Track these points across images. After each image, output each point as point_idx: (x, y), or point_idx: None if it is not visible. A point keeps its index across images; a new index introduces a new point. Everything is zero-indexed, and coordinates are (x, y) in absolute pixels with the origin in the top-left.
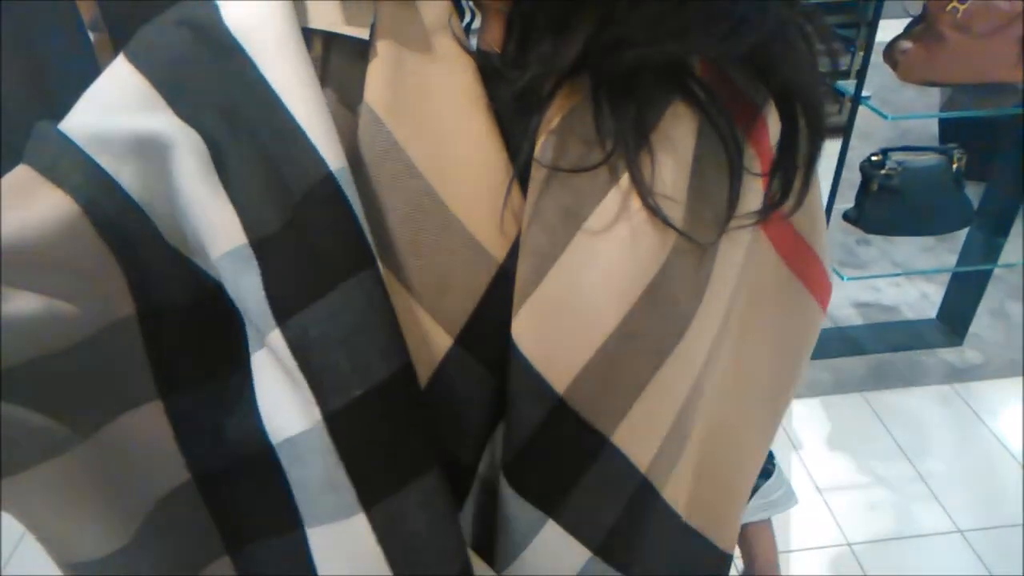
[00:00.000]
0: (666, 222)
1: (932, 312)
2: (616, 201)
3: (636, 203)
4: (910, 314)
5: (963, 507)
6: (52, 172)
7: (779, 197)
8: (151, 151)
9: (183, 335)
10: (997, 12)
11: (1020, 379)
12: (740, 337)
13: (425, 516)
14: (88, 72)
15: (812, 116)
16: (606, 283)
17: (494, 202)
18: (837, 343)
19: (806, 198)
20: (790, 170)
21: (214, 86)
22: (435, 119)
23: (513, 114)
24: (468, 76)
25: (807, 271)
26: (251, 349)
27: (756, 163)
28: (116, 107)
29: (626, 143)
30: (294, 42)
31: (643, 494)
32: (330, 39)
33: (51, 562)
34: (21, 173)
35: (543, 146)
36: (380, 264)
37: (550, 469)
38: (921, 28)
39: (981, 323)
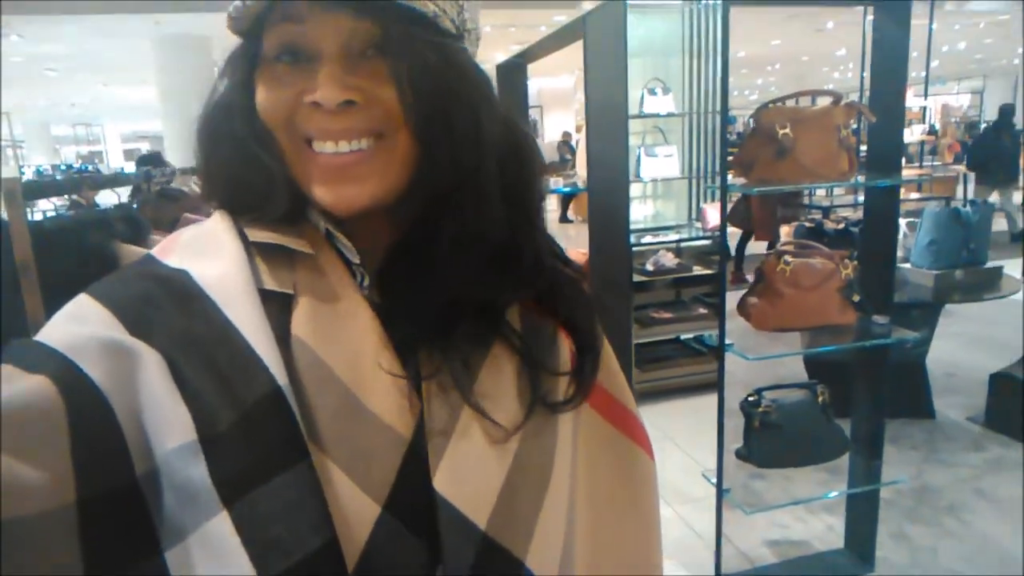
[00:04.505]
0: (485, 415)
1: (839, 542)
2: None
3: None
4: (819, 546)
5: None
6: (34, 367)
7: (581, 384)
8: (119, 354)
9: (111, 526)
10: (814, 270)
11: None
12: (590, 506)
13: None
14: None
15: (588, 332)
16: (494, 437)
17: (398, 397)
18: None
19: (603, 366)
20: (586, 362)
21: (172, 321)
22: (346, 341)
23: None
24: (367, 313)
25: (625, 423)
26: (169, 545)
27: (567, 358)
28: (85, 325)
29: (454, 365)
30: (251, 293)
31: None
32: (265, 294)
33: None
34: (3, 369)
35: (422, 360)
36: (316, 451)
37: None
38: (762, 286)
39: (887, 547)
